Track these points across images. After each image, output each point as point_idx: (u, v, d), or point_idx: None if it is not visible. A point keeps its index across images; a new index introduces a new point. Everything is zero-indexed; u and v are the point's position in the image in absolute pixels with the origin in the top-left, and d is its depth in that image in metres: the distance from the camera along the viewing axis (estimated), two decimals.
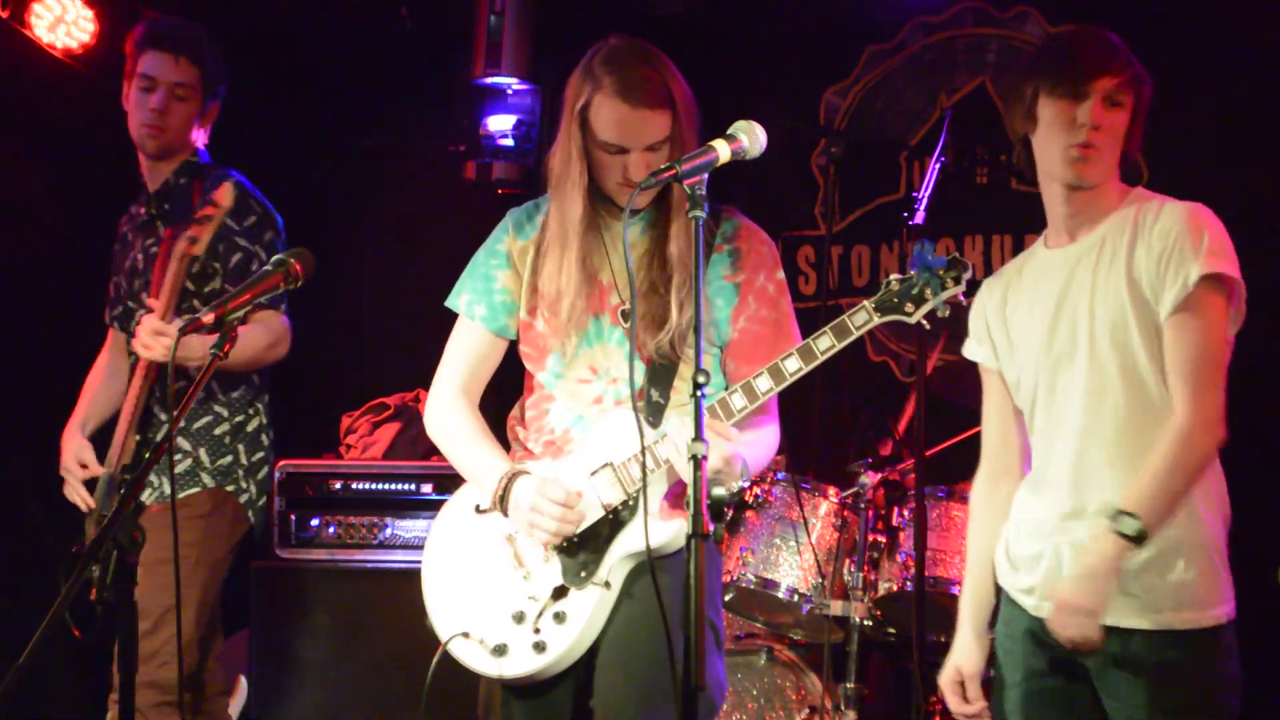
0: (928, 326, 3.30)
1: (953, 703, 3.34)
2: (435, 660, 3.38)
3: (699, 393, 2.76)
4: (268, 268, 3.24)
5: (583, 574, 3.36)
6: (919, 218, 4.36)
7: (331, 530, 5.10)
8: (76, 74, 5.67)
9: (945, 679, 3.35)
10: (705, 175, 2.90)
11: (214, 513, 4.27)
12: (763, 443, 3.45)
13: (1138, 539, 2.96)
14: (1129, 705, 3.08)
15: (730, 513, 4.64)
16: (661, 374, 3.42)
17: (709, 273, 3.45)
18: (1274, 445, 4.97)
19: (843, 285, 5.97)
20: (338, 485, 5.14)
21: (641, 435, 3.07)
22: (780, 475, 4.69)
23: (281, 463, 5.11)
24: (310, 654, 5.02)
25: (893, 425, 5.08)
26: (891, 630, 4.67)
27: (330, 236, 6.03)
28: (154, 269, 4.29)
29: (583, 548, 3.38)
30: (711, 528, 2.69)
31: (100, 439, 4.42)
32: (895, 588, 4.56)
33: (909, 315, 3.26)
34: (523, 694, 3.42)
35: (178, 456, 4.27)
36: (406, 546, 5.03)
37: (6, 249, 5.61)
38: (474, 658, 3.40)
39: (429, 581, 3.50)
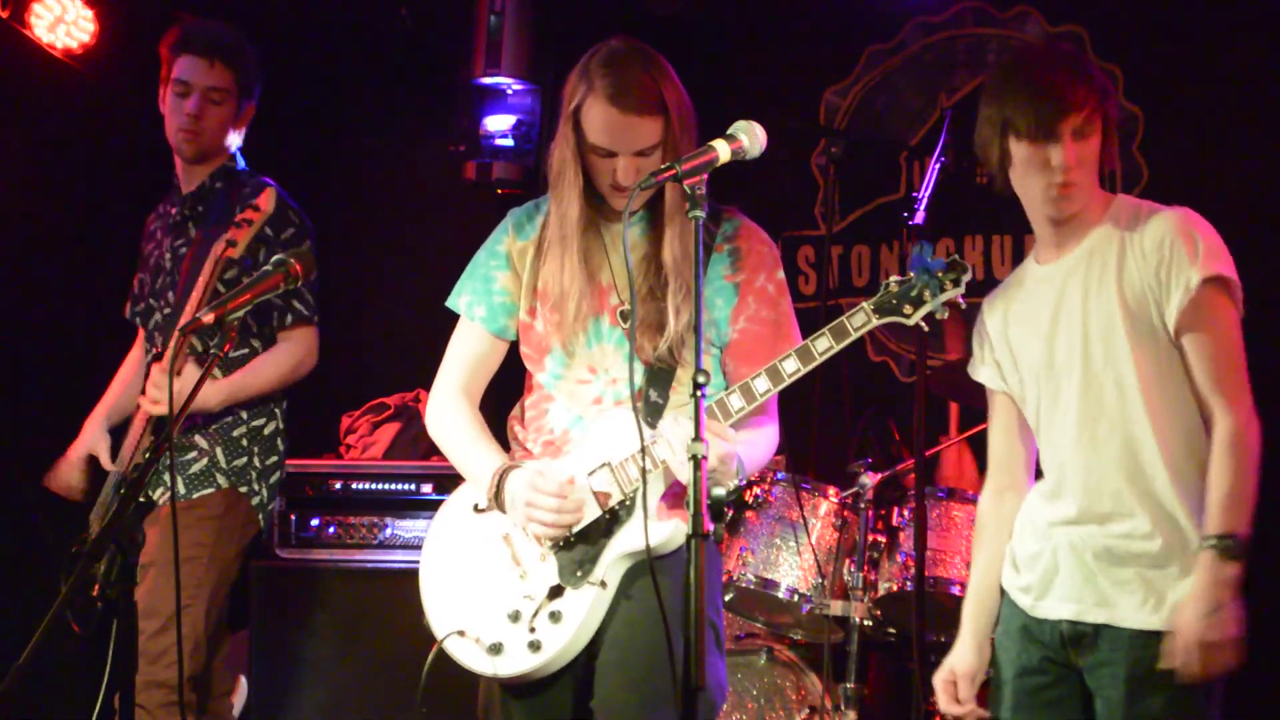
0: (926, 329, 3.30)
1: (942, 701, 3.36)
2: (429, 659, 3.39)
3: (699, 393, 2.76)
4: (267, 268, 3.24)
5: (579, 573, 3.36)
6: (919, 218, 4.36)
7: (332, 530, 5.10)
8: (76, 74, 5.68)
9: (939, 678, 3.37)
10: (705, 175, 2.90)
11: (227, 514, 4.27)
12: (760, 443, 3.45)
13: (1243, 554, 2.98)
14: (1112, 703, 3.10)
15: (730, 513, 4.64)
16: (661, 375, 3.42)
17: (708, 272, 3.45)
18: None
19: (843, 285, 5.97)
20: (338, 485, 5.14)
21: (641, 436, 3.07)
22: (780, 475, 4.69)
23: None
24: (310, 654, 5.02)
25: (893, 426, 5.08)
26: (891, 630, 4.67)
27: (330, 236, 6.03)
28: (181, 270, 4.31)
29: (579, 547, 3.38)
30: (711, 528, 2.69)
31: (120, 434, 4.40)
32: (895, 588, 4.55)
33: (907, 317, 3.27)
34: (521, 694, 3.42)
35: (193, 455, 4.26)
36: (406, 546, 5.03)
37: (6, 248, 5.61)
38: (470, 656, 3.40)
39: (426, 581, 3.50)
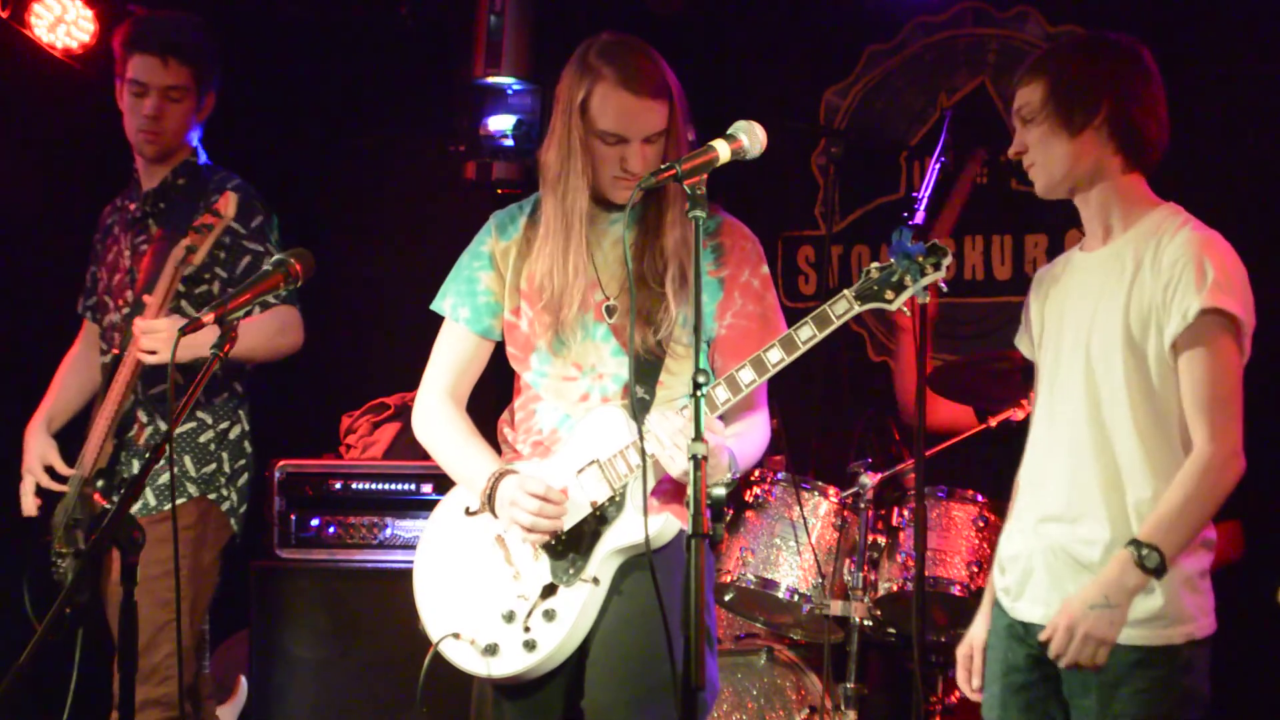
0: (908, 313, 3.30)
1: (960, 676, 3.36)
2: (426, 663, 3.39)
3: (698, 392, 2.76)
4: (267, 268, 3.24)
5: (571, 571, 3.37)
6: (919, 218, 4.37)
7: (331, 530, 5.10)
8: (76, 74, 5.67)
9: (961, 651, 3.37)
10: (705, 175, 2.90)
11: (199, 523, 4.21)
12: (751, 437, 3.45)
13: (1158, 571, 2.96)
14: (1085, 710, 3.09)
15: (730, 513, 4.64)
16: (647, 370, 3.43)
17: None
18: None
19: (843, 285, 5.89)
20: (338, 485, 5.13)
21: (640, 431, 3.08)
22: (780, 475, 4.69)
23: (281, 463, 5.11)
24: (310, 654, 5.02)
25: (893, 426, 5.08)
26: (891, 630, 4.66)
27: (330, 236, 6.04)
28: (140, 267, 4.25)
29: (571, 545, 3.38)
30: (711, 527, 2.69)
31: (64, 436, 4.35)
32: (895, 588, 4.55)
33: (889, 302, 3.27)
34: (513, 694, 3.43)
35: (160, 463, 4.15)
36: (406, 546, 5.02)
37: (5, 248, 5.61)
38: (465, 658, 3.41)
39: (420, 583, 3.51)
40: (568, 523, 3.37)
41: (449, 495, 3.58)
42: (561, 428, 3.48)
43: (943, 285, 3.27)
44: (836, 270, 6.01)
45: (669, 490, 3.39)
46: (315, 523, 5.10)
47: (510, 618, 3.38)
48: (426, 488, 5.08)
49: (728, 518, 4.63)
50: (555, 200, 3.45)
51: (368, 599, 4.98)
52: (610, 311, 3.47)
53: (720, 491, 2.71)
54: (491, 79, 5.70)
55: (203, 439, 4.28)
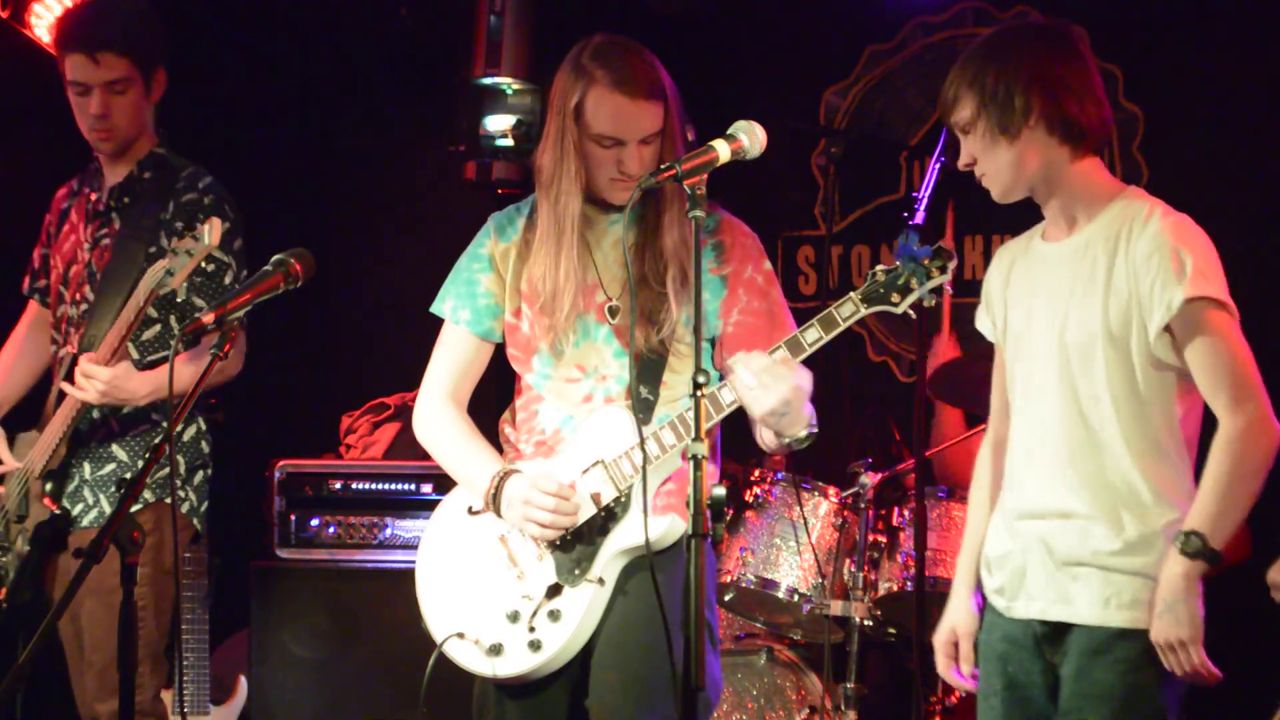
0: (914, 316, 3.29)
1: (943, 664, 3.30)
2: (430, 664, 3.38)
3: (699, 392, 2.75)
4: (267, 268, 3.20)
5: (576, 571, 3.36)
6: (919, 218, 4.36)
7: (331, 530, 5.09)
8: None
9: (940, 639, 3.31)
10: (705, 175, 2.90)
11: (157, 528, 4.01)
12: (811, 381, 3.36)
13: (1207, 556, 2.92)
14: (1065, 678, 3.06)
15: (730, 513, 4.65)
16: (650, 369, 3.42)
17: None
18: None
19: (843, 285, 5.96)
20: (338, 485, 5.13)
21: (640, 433, 3.07)
22: (780, 475, 4.69)
23: (281, 463, 5.11)
24: (310, 654, 5.02)
25: (893, 426, 5.08)
26: (892, 630, 4.66)
27: (329, 236, 6.04)
28: (100, 264, 4.10)
29: (576, 545, 3.38)
30: (712, 527, 2.69)
31: (12, 425, 4.24)
32: (895, 588, 4.55)
33: (895, 305, 3.26)
34: (516, 694, 3.42)
35: (111, 468, 4.07)
36: (406, 546, 5.02)
37: (5, 248, 5.60)
38: (470, 658, 3.40)
39: (423, 584, 3.50)
40: (576, 520, 3.37)
41: (450, 495, 3.57)
42: (565, 428, 3.47)
43: (948, 288, 3.28)
44: (836, 270, 6.01)
45: (674, 491, 3.38)
46: (315, 523, 5.10)
47: (515, 618, 3.38)
48: (426, 488, 5.08)
49: (728, 518, 4.63)
50: (549, 204, 3.45)
51: (368, 599, 4.98)
52: (613, 313, 3.47)
53: (720, 492, 2.71)
54: (491, 79, 5.70)
55: (155, 442, 4.10)
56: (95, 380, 3.88)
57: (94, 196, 4.23)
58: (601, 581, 3.35)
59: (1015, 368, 3.23)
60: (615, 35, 3.45)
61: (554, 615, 3.35)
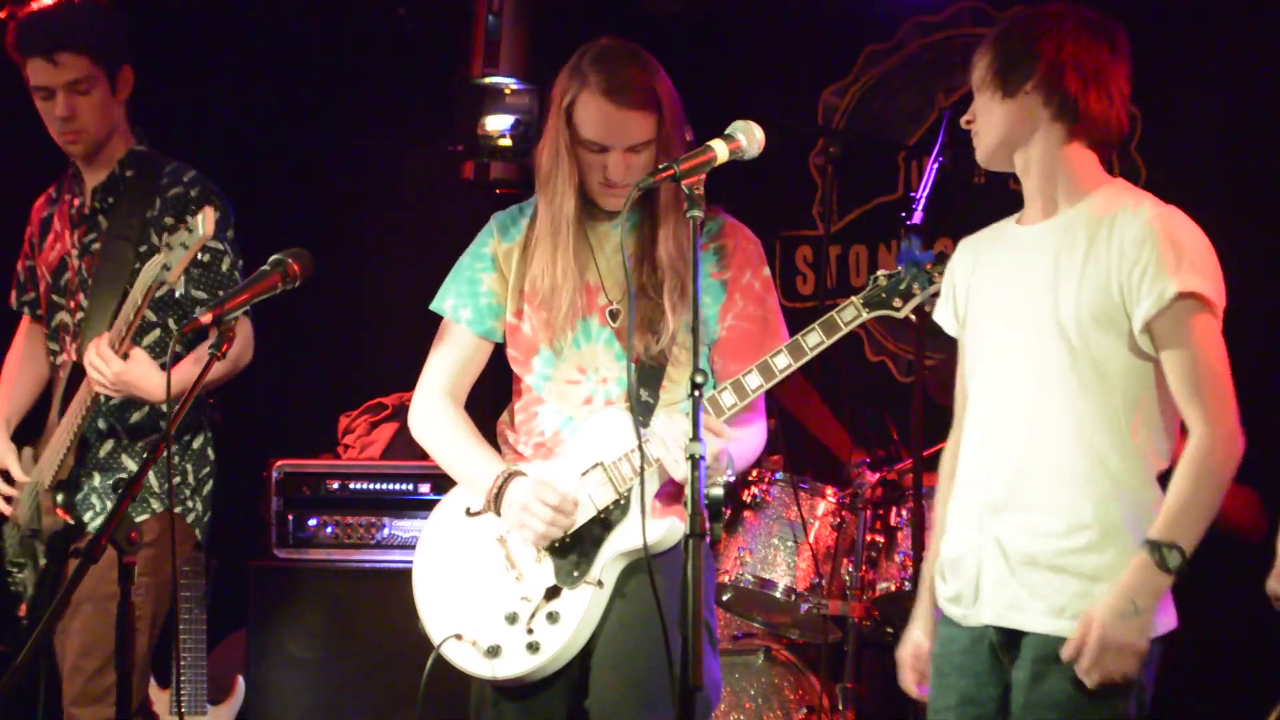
0: (915, 320, 3.30)
1: (908, 679, 3.23)
2: (428, 666, 3.38)
3: (697, 393, 2.75)
4: (265, 268, 3.19)
5: (575, 574, 3.36)
6: (917, 218, 4.36)
7: (329, 530, 5.09)
8: None
9: (905, 652, 3.24)
10: (703, 175, 2.90)
11: (161, 538, 3.98)
12: (749, 440, 3.45)
13: (1181, 570, 2.88)
14: (1017, 684, 2.98)
15: (728, 513, 4.65)
16: (651, 374, 3.43)
17: None
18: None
19: (841, 285, 5.97)
20: (335, 485, 5.12)
21: (638, 434, 3.07)
22: (778, 475, 4.69)
23: (279, 462, 5.10)
24: (307, 654, 5.01)
25: (891, 426, 5.08)
26: (889, 630, 4.66)
27: (327, 236, 6.03)
28: (91, 269, 4.07)
29: (575, 547, 3.38)
30: (709, 527, 2.68)
31: (19, 439, 4.24)
32: (893, 588, 4.55)
33: (897, 310, 3.28)
34: (514, 695, 3.42)
35: (121, 477, 4.04)
36: (404, 546, 5.02)
37: (4, 248, 5.60)
38: (467, 659, 3.40)
39: (421, 584, 3.50)
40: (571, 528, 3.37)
41: (448, 495, 3.57)
42: (564, 430, 3.47)
43: None
44: (834, 270, 6.01)
45: (674, 493, 3.38)
46: (313, 522, 5.09)
47: (513, 619, 3.38)
48: (424, 488, 5.08)
49: (725, 517, 4.63)
50: (545, 203, 3.46)
51: (365, 599, 4.97)
52: (614, 316, 3.47)
53: (718, 492, 2.71)
54: (489, 79, 5.70)
55: (154, 440, 4.07)
56: (104, 375, 3.81)
57: (76, 201, 4.17)
58: (600, 584, 3.35)
59: (977, 357, 3.15)
60: (620, 40, 3.45)
61: (552, 617, 3.35)
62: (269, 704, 5.00)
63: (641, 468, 3.23)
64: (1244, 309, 3.07)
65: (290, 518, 5.08)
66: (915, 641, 3.24)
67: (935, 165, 4.49)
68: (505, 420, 3.62)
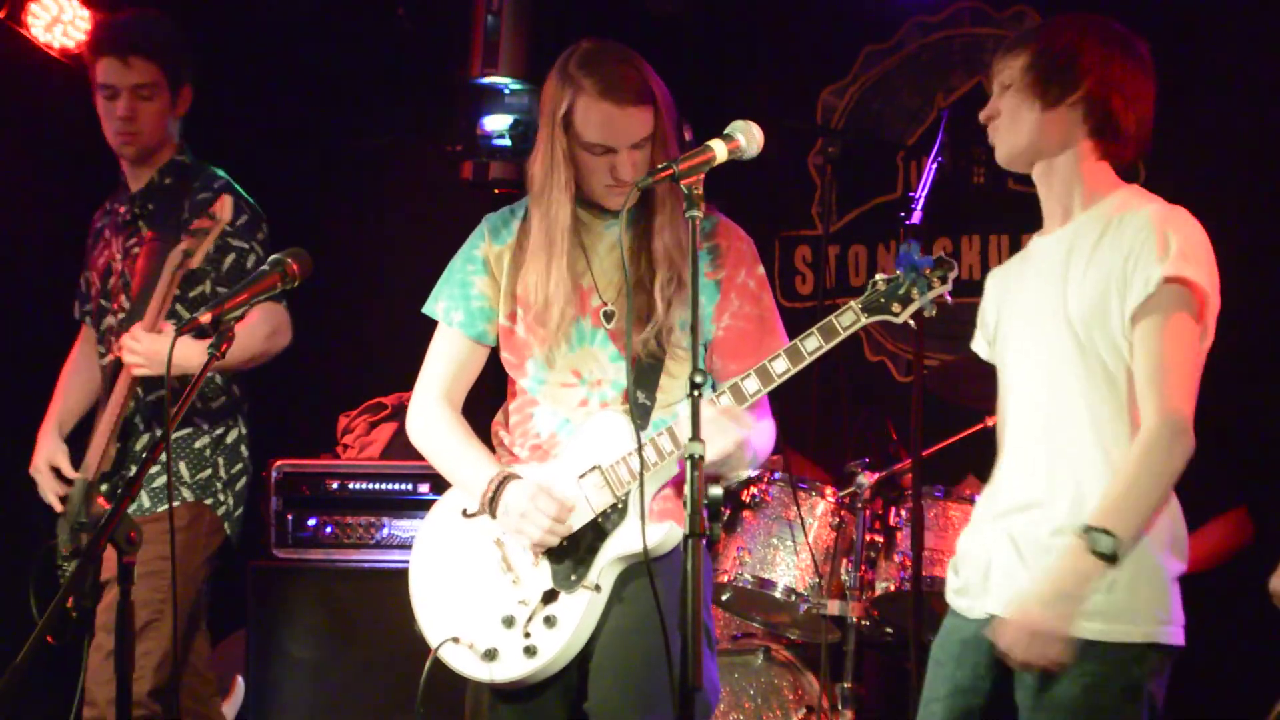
0: (914, 326, 3.30)
1: None
2: (426, 668, 3.37)
3: (696, 393, 2.74)
4: (264, 268, 3.22)
5: (573, 577, 3.36)
6: (916, 218, 4.36)
7: (328, 530, 5.09)
8: (73, 73, 5.67)
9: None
10: (702, 175, 2.89)
11: (191, 526, 4.19)
12: (766, 433, 3.45)
13: (1112, 557, 2.85)
14: (1025, 686, 2.98)
15: (727, 513, 4.64)
16: (647, 374, 3.42)
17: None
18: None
19: (840, 285, 5.97)
20: (335, 485, 5.12)
21: (638, 436, 3.07)
22: (777, 475, 4.69)
23: (278, 462, 5.10)
24: (307, 654, 5.01)
25: (890, 426, 5.08)
26: (889, 630, 4.66)
27: (326, 236, 6.03)
28: (134, 270, 4.24)
29: (572, 551, 3.37)
30: (708, 528, 2.68)
31: (73, 440, 4.36)
32: (892, 587, 4.55)
33: (896, 315, 3.27)
34: (511, 698, 3.41)
35: (155, 468, 4.19)
36: (403, 546, 5.00)
37: (3, 247, 5.61)
38: (464, 662, 3.39)
39: (417, 586, 3.50)
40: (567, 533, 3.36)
41: (444, 497, 3.56)
42: (560, 432, 3.47)
43: (948, 299, 3.27)
44: (834, 270, 6.00)
45: (671, 497, 3.38)
46: (312, 522, 5.09)
47: (510, 623, 3.37)
48: (423, 487, 5.07)
49: (725, 517, 4.62)
50: (539, 213, 3.45)
51: (365, 599, 4.96)
52: (608, 317, 3.47)
53: (717, 492, 2.70)
54: (488, 79, 5.70)
55: (198, 444, 4.28)
56: (137, 350, 3.97)
57: (121, 209, 4.38)
58: (598, 588, 3.34)
59: (1003, 364, 3.19)
60: (602, 40, 3.45)
61: (550, 621, 3.35)
62: (268, 704, 5.00)
63: (641, 470, 3.23)
64: (1240, 309, 3.07)
65: (290, 517, 5.08)
66: None
67: (934, 165, 4.49)
68: (500, 421, 3.61)
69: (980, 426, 4.78)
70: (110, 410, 4.10)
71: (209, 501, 4.26)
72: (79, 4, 5.63)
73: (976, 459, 5.07)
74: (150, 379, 4.10)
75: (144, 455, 4.17)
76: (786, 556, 4.59)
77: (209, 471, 4.28)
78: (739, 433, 3.21)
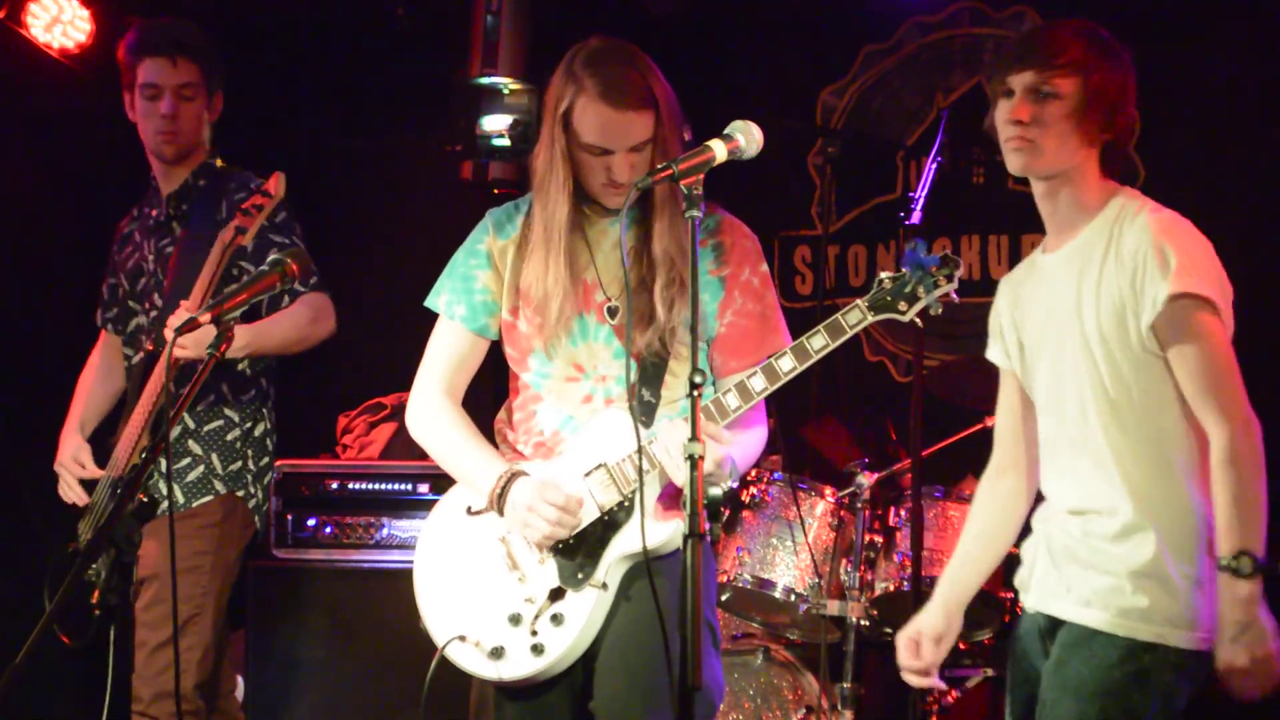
0: (920, 325, 3.30)
1: (902, 657, 3.31)
2: (432, 667, 3.37)
3: (695, 393, 2.74)
4: (264, 268, 3.24)
5: (579, 575, 3.35)
6: (915, 218, 4.36)
7: (328, 530, 5.08)
8: (73, 74, 5.67)
9: (903, 634, 3.32)
10: (702, 175, 2.89)
11: (226, 519, 4.28)
12: (750, 443, 3.45)
13: (1255, 571, 2.91)
14: (1044, 671, 3.08)
15: (727, 513, 4.64)
16: (651, 372, 3.42)
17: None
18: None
19: (839, 285, 5.97)
20: (334, 485, 5.11)
21: (638, 435, 3.06)
22: (777, 475, 4.68)
23: (278, 462, 5.08)
24: (307, 654, 5.00)
25: (890, 426, 5.08)
26: (888, 630, 4.65)
27: (325, 236, 6.02)
28: (168, 268, 4.29)
29: (578, 549, 3.36)
30: (708, 527, 2.68)
31: (94, 441, 4.40)
32: (892, 587, 4.55)
33: (902, 314, 3.28)
34: (518, 696, 3.41)
35: (187, 461, 4.26)
36: (403, 547, 5.00)
37: (3, 248, 5.60)
38: (471, 660, 3.38)
39: (422, 585, 3.48)
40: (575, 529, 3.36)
41: (448, 494, 3.55)
42: (564, 429, 3.46)
43: (954, 297, 3.28)
44: (833, 270, 6.00)
45: (677, 495, 3.37)
46: (312, 523, 5.08)
47: (516, 620, 3.36)
48: (423, 488, 5.07)
49: (724, 517, 4.62)
50: (540, 208, 3.45)
51: (364, 599, 4.96)
52: (612, 313, 3.47)
53: (717, 492, 2.70)
54: (488, 79, 5.69)
55: (230, 437, 4.33)
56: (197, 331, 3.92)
57: (154, 212, 4.44)
58: (605, 586, 3.34)
59: (1035, 377, 3.24)
60: (611, 39, 3.44)
61: (556, 619, 3.34)
62: (268, 705, 4.99)
63: (640, 470, 3.22)
64: (1240, 309, 3.07)
65: (289, 518, 5.07)
66: (916, 625, 3.32)
67: (934, 165, 4.49)
68: (503, 418, 3.61)
69: (980, 427, 4.77)
70: (143, 404, 4.11)
71: (240, 494, 4.33)
72: (79, 4, 5.63)
73: (976, 459, 5.08)
74: (184, 369, 4.11)
75: (175, 448, 4.24)
76: (786, 557, 4.59)
77: (239, 464, 4.34)
78: (719, 450, 3.22)
